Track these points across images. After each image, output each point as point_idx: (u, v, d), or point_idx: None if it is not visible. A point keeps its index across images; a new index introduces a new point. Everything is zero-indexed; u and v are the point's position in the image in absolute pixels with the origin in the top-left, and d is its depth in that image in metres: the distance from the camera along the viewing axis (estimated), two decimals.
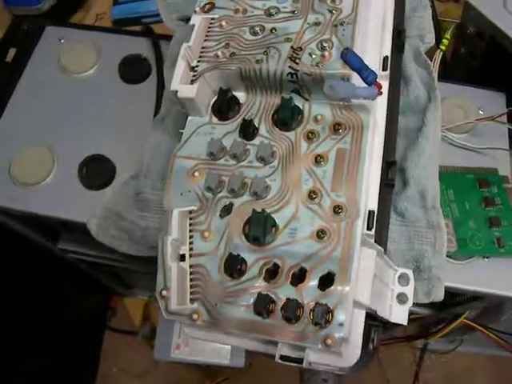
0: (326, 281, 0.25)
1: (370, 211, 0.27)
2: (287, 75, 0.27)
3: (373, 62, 0.30)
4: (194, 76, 0.29)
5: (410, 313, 0.29)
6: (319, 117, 0.28)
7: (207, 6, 0.31)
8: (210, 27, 0.30)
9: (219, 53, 0.29)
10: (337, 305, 0.24)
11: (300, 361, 0.24)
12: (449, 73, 0.46)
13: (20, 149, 0.40)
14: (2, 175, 0.39)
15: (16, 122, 0.42)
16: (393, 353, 0.75)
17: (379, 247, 0.27)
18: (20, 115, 0.42)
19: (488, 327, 0.43)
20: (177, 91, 0.28)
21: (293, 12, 0.30)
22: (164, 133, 0.35)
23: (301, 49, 0.28)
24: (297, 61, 0.27)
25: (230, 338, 0.27)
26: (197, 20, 0.31)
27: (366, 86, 0.25)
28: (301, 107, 0.28)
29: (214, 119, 0.29)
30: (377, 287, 0.27)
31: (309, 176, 0.26)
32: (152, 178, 0.34)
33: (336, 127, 0.27)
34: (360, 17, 0.29)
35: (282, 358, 0.25)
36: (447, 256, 0.33)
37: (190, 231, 0.27)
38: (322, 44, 0.28)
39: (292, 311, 0.24)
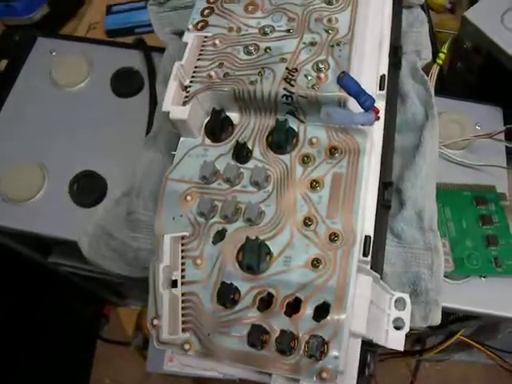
0: (322, 311, 0.24)
1: (366, 236, 0.27)
2: (282, 97, 0.27)
3: (370, 81, 0.30)
4: (186, 97, 0.28)
5: None
6: (314, 140, 0.27)
7: (200, 24, 0.30)
8: (203, 46, 0.30)
9: (212, 73, 0.28)
10: (332, 337, 0.23)
11: None
12: (445, 87, 0.46)
13: (9, 165, 0.39)
14: None
15: (6, 137, 0.41)
16: (388, 362, 0.75)
17: (375, 274, 0.26)
18: (10, 130, 0.41)
19: (484, 344, 0.43)
20: (169, 112, 0.27)
21: (288, 31, 0.29)
22: (156, 151, 0.35)
23: (296, 70, 0.27)
24: (292, 82, 0.27)
25: (222, 367, 0.26)
26: (190, 38, 0.30)
27: (362, 111, 0.25)
28: (296, 129, 0.28)
29: (207, 140, 0.29)
30: (373, 313, 0.26)
31: (304, 202, 0.26)
32: (144, 198, 0.34)
33: (332, 151, 0.27)
34: (357, 36, 0.28)
35: None
36: (444, 276, 0.33)
37: (182, 257, 0.26)
38: (317, 65, 0.27)
39: (286, 344, 0.23)
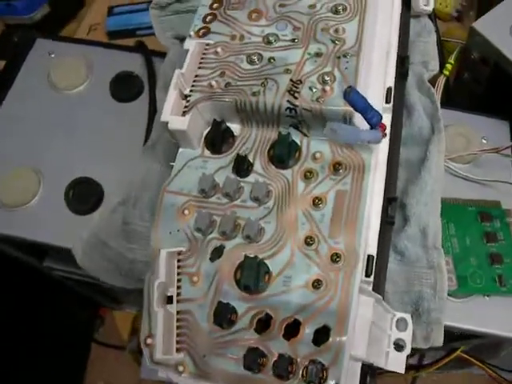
0: (322, 334, 0.23)
1: (369, 256, 0.26)
2: (285, 110, 0.26)
3: (376, 94, 0.29)
4: (186, 107, 0.27)
5: None
6: (318, 154, 0.26)
7: (202, 31, 0.30)
8: (204, 53, 0.29)
9: (213, 82, 0.27)
10: (332, 363, 0.22)
11: None
12: (451, 98, 0.45)
13: (4, 169, 0.38)
14: None
15: (1, 140, 0.40)
16: (385, 377, 0.74)
17: (378, 295, 0.25)
18: (6, 133, 0.40)
19: (485, 362, 0.42)
20: (167, 122, 0.27)
21: (293, 40, 0.28)
22: (154, 161, 0.34)
23: (300, 82, 0.26)
24: (296, 95, 0.26)
25: None
26: (191, 45, 0.29)
27: (369, 128, 0.24)
28: (299, 143, 0.27)
29: (207, 152, 0.28)
30: (373, 334, 0.26)
31: (305, 220, 0.25)
32: (140, 208, 0.33)
33: (336, 166, 0.26)
34: (364, 48, 0.27)
35: None
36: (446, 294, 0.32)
37: (178, 274, 0.25)
38: (323, 77, 0.26)
39: (284, 368, 0.22)
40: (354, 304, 0.24)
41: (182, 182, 0.27)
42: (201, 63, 0.28)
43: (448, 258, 0.35)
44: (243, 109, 0.26)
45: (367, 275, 0.25)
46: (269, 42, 0.28)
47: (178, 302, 0.25)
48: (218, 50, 0.28)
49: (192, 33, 0.29)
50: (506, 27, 0.40)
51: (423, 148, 0.34)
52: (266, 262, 0.24)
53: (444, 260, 0.31)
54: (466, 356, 0.42)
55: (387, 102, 0.29)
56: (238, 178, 0.26)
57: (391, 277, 0.31)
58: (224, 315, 0.24)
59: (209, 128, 0.28)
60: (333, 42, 0.27)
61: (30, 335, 0.58)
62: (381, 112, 0.29)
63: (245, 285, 0.24)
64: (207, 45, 0.29)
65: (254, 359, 0.23)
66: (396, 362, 0.27)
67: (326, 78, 0.26)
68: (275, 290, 0.24)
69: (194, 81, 0.28)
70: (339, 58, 0.27)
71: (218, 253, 0.25)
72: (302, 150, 0.27)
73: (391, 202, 0.30)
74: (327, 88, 0.25)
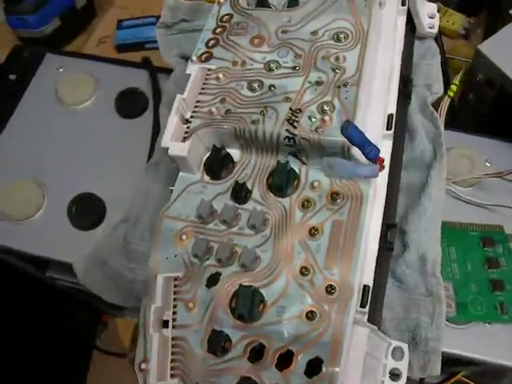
0: (314, 366, 0.23)
1: (365, 286, 0.26)
2: (284, 139, 0.26)
3: (376, 121, 0.29)
4: (186, 133, 0.27)
5: None
6: (316, 183, 0.26)
7: (205, 55, 0.30)
8: (206, 79, 0.29)
9: (214, 109, 0.27)
10: None
11: None
12: (456, 118, 0.44)
13: (9, 181, 0.39)
14: None
15: (8, 152, 0.41)
16: None
17: (373, 326, 0.25)
18: (13, 145, 0.41)
19: None
20: (168, 148, 0.27)
21: (294, 68, 0.28)
22: (156, 181, 0.34)
23: (300, 110, 0.26)
24: (295, 124, 0.26)
25: None
26: (193, 70, 0.29)
27: (366, 162, 0.24)
28: (297, 171, 0.27)
29: (206, 177, 0.28)
30: (368, 364, 0.26)
31: (302, 249, 0.25)
32: (141, 228, 0.33)
33: (333, 196, 0.26)
34: (365, 77, 0.27)
35: None
36: (446, 320, 0.32)
37: (175, 300, 0.26)
38: (322, 107, 0.26)
39: None
40: (348, 335, 0.24)
41: (180, 207, 0.27)
42: (202, 89, 0.28)
43: (448, 283, 0.35)
44: (243, 136, 0.27)
45: (362, 306, 0.25)
46: (270, 69, 0.28)
47: (173, 327, 0.25)
48: (220, 75, 0.28)
49: (194, 57, 0.30)
50: (511, 50, 0.39)
51: (424, 173, 0.34)
52: (261, 290, 0.25)
53: (443, 288, 0.31)
54: (466, 380, 0.42)
55: (388, 128, 0.29)
56: (236, 205, 0.27)
57: (388, 303, 0.31)
58: (218, 343, 0.24)
59: (209, 153, 0.28)
60: (333, 70, 0.27)
61: (31, 340, 0.59)
62: (381, 138, 0.29)
63: (239, 314, 0.24)
64: (209, 70, 0.29)
65: None
66: None
67: (326, 108, 0.26)
68: (269, 320, 0.24)
69: (195, 106, 0.28)
70: (339, 87, 0.27)
71: (214, 280, 0.25)
72: (301, 178, 0.27)
73: (390, 228, 0.30)
74: (326, 118, 0.26)
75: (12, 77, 0.44)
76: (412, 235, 0.32)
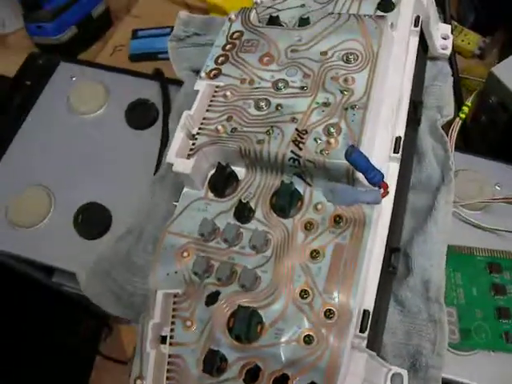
0: None
1: (364, 311, 0.25)
2: (289, 160, 0.26)
3: (384, 144, 0.29)
4: (191, 150, 0.27)
5: None
6: (320, 206, 0.26)
7: (213, 72, 0.30)
8: (214, 96, 0.29)
9: (220, 127, 0.27)
10: None
11: None
12: (467, 140, 0.44)
13: (17, 188, 0.39)
14: None
15: (18, 159, 0.41)
16: None
17: (371, 352, 0.25)
18: (23, 153, 0.41)
19: None
20: (172, 164, 0.27)
21: (302, 88, 0.28)
22: (162, 194, 0.34)
23: (306, 132, 0.26)
24: (300, 145, 0.26)
25: None
26: (201, 86, 0.29)
27: (370, 188, 0.23)
28: (301, 192, 0.27)
29: (210, 194, 0.28)
30: None
31: (302, 272, 0.25)
32: (144, 241, 0.33)
33: (336, 219, 0.26)
34: (372, 100, 0.27)
35: None
36: (448, 346, 0.31)
37: (173, 316, 0.26)
38: (329, 129, 0.26)
39: None
40: (345, 361, 0.23)
41: (183, 223, 0.27)
42: (209, 105, 0.29)
43: (452, 308, 0.34)
44: (247, 156, 0.27)
45: (362, 331, 0.25)
46: (278, 89, 0.28)
47: (170, 344, 0.25)
48: (227, 93, 0.29)
49: (203, 74, 0.30)
50: None
51: (431, 196, 0.34)
52: (259, 311, 0.24)
53: (446, 315, 0.30)
54: None
55: (395, 151, 0.29)
56: (239, 224, 0.26)
57: (390, 327, 0.30)
58: (214, 363, 0.24)
59: (214, 170, 0.28)
60: (341, 92, 0.27)
61: (34, 343, 0.59)
62: (388, 161, 0.29)
63: (236, 334, 0.24)
64: (217, 87, 0.29)
65: None
66: None
67: (332, 130, 0.26)
68: (266, 342, 0.24)
69: (202, 123, 0.28)
70: (346, 109, 0.27)
71: (213, 298, 0.25)
72: (305, 199, 0.27)
73: (394, 251, 0.30)
74: (332, 140, 0.25)
75: (27, 83, 0.45)
76: (416, 260, 0.31)
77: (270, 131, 0.27)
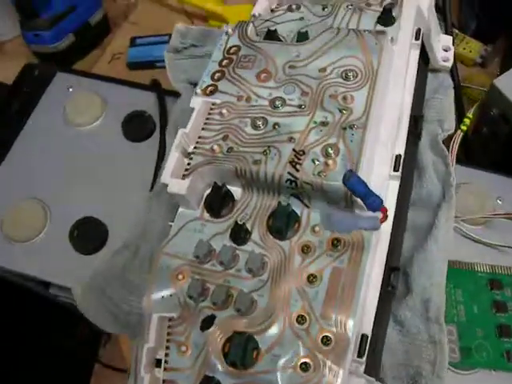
0: None
1: (363, 336, 0.25)
2: (286, 181, 0.25)
3: (384, 161, 0.28)
4: (186, 170, 0.27)
5: None
6: (317, 228, 0.26)
7: (210, 88, 0.29)
8: (209, 114, 0.28)
9: (215, 146, 0.27)
10: None
11: None
12: (469, 151, 0.43)
13: (13, 200, 0.39)
14: None
15: (14, 172, 0.41)
16: None
17: (370, 378, 0.25)
18: (19, 164, 0.41)
19: None
20: (167, 185, 0.26)
21: (300, 106, 0.28)
22: (159, 211, 0.34)
23: (303, 152, 0.26)
24: (297, 167, 0.25)
25: None
26: (197, 103, 0.29)
27: (368, 213, 0.23)
28: (299, 213, 0.26)
29: (206, 215, 0.27)
30: None
31: (299, 296, 0.24)
32: (140, 259, 0.33)
33: (334, 242, 0.25)
34: (372, 119, 0.27)
35: None
36: (448, 365, 0.31)
37: (168, 341, 0.25)
38: (327, 150, 0.25)
39: None
40: None
41: (178, 244, 0.27)
42: (205, 123, 0.28)
43: (452, 326, 0.33)
44: (244, 176, 0.26)
45: (360, 355, 0.24)
46: (275, 107, 0.28)
47: (164, 369, 0.25)
48: (224, 111, 0.28)
49: (199, 90, 0.29)
50: None
51: (432, 213, 0.33)
52: (255, 337, 0.24)
53: (446, 336, 0.30)
54: None
55: (395, 169, 0.29)
56: (235, 246, 0.26)
57: (389, 346, 0.30)
58: None
59: (210, 190, 0.28)
60: (340, 110, 0.27)
61: (32, 351, 0.59)
62: (387, 179, 0.29)
63: (231, 361, 0.23)
64: (213, 104, 0.29)
65: None
66: None
67: (330, 151, 0.25)
68: (262, 368, 0.23)
69: (197, 142, 0.28)
70: (345, 129, 0.26)
71: (208, 323, 0.25)
72: (302, 221, 0.26)
73: (394, 271, 0.29)
74: (330, 162, 0.25)
75: (25, 90, 0.44)
76: (416, 279, 0.31)
77: (267, 151, 0.26)
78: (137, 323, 0.31)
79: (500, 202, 0.38)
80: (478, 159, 0.44)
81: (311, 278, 0.25)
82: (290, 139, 0.26)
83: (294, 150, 0.26)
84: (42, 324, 0.59)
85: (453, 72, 0.39)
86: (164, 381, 0.25)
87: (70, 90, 0.44)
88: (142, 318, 0.29)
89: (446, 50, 0.38)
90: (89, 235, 0.37)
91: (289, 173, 0.25)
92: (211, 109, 0.29)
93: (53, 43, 0.52)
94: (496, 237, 0.37)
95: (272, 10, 0.36)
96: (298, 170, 0.25)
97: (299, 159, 0.25)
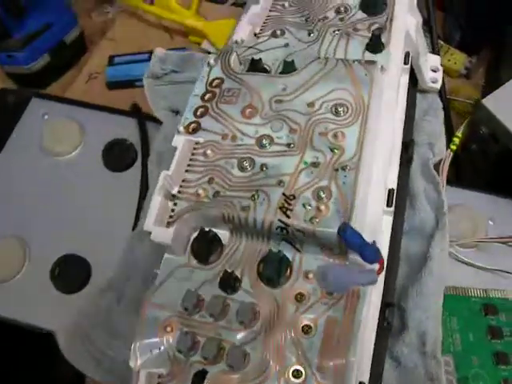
0: None
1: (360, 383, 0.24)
2: (276, 228, 0.24)
3: (377, 198, 0.27)
4: (170, 217, 0.25)
5: None
6: (310, 275, 0.24)
7: (192, 126, 0.28)
8: (193, 154, 0.27)
9: (201, 191, 0.26)
10: None
11: None
12: (458, 170, 0.43)
13: None
14: None
15: None
16: None
17: None
18: None
19: None
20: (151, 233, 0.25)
21: (288, 145, 0.26)
22: (142, 250, 0.32)
23: (294, 197, 0.24)
24: (288, 213, 0.24)
25: None
26: (180, 142, 0.27)
27: (363, 264, 0.22)
28: (290, 258, 0.25)
29: (193, 261, 0.26)
30: None
31: (294, 348, 0.23)
32: (124, 303, 0.31)
33: None
34: (365, 158, 0.25)
35: None
36: None
37: None
38: (318, 193, 0.24)
39: None
40: None
41: (166, 293, 0.26)
42: (189, 165, 0.27)
43: (449, 357, 0.33)
44: (232, 221, 0.25)
45: None
46: (262, 146, 0.26)
47: None
48: (208, 151, 0.27)
49: (181, 128, 0.28)
50: None
51: (425, 241, 0.32)
52: None
53: (443, 371, 0.29)
54: None
55: (388, 205, 0.28)
56: (225, 295, 0.25)
57: (386, 382, 0.29)
58: None
59: (196, 233, 0.26)
60: (331, 150, 0.26)
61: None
62: (381, 215, 0.28)
63: None
64: (196, 143, 0.27)
65: None
66: None
67: (322, 195, 0.24)
68: None
69: (181, 186, 0.26)
70: (337, 170, 0.25)
71: (199, 378, 0.24)
72: (294, 266, 0.25)
73: (388, 306, 0.28)
74: (322, 207, 0.24)
75: None
76: (411, 313, 0.30)
77: (255, 196, 0.25)
78: (122, 371, 0.30)
79: (491, 223, 0.38)
80: (468, 177, 0.43)
81: (306, 329, 0.23)
82: (279, 182, 0.25)
83: (284, 194, 0.25)
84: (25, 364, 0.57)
85: (441, 93, 0.38)
86: None
87: (46, 117, 0.42)
88: (128, 367, 0.28)
89: (434, 71, 0.37)
90: (71, 273, 0.36)
91: (279, 220, 0.24)
92: (194, 148, 0.27)
93: (27, 64, 0.50)
94: (488, 260, 0.36)
95: (255, 34, 0.34)
96: (288, 217, 0.24)
97: (290, 204, 0.24)
